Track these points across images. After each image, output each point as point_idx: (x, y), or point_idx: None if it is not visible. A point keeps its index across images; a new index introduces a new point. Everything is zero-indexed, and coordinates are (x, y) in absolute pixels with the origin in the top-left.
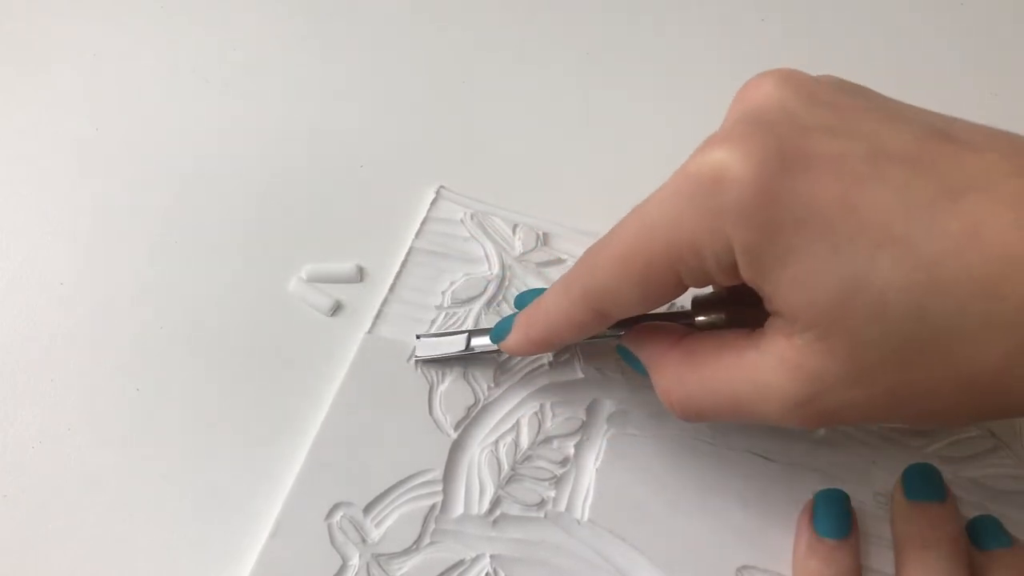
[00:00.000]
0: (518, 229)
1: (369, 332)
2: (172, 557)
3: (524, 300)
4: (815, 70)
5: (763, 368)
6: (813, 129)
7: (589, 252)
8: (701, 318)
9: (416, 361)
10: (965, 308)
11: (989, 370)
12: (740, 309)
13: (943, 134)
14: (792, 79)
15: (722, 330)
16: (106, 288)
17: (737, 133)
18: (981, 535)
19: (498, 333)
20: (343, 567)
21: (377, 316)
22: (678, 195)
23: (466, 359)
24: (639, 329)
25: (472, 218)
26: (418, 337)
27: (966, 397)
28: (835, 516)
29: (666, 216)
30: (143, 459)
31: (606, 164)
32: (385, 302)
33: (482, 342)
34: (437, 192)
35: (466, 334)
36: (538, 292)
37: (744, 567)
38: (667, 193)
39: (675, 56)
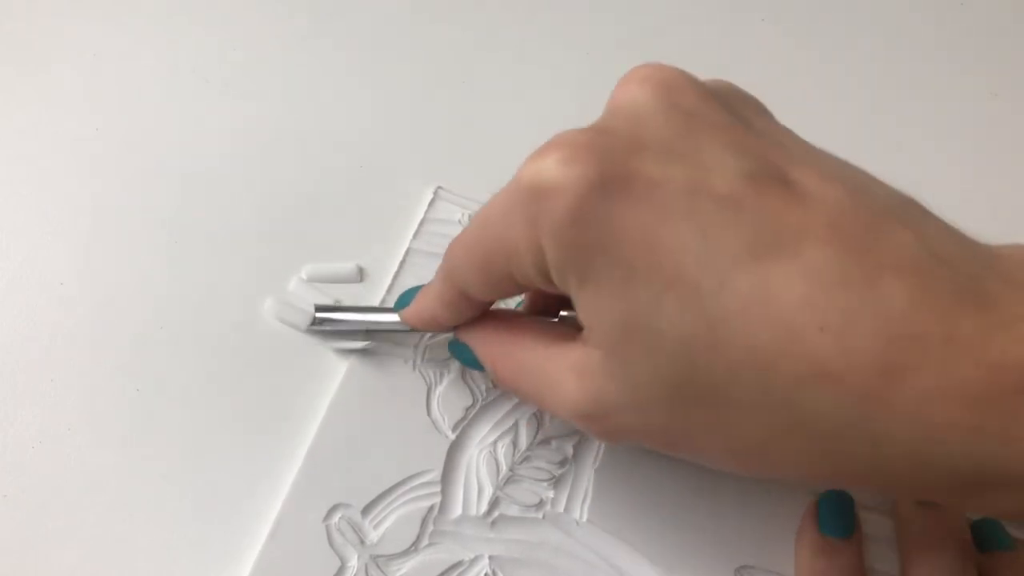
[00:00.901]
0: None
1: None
2: (171, 558)
3: (404, 300)
4: (815, 70)
5: (561, 367)
6: (647, 147)
7: (456, 236)
8: (564, 313)
9: (314, 329)
10: (737, 375)
11: (754, 439)
12: None
13: (781, 180)
14: (659, 79)
15: (551, 322)
16: (106, 288)
17: (568, 146)
18: (984, 537)
19: (401, 302)
20: (341, 568)
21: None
22: (510, 196)
23: (368, 333)
24: (473, 321)
25: (470, 218)
26: (317, 308)
27: (733, 457)
28: (840, 515)
29: (499, 214)
30: (143, 459)
31: None
32: (383, 302)
33: (381, 318)
34: (435, 193)
35: (369, 310)
36: (416, 290)
37: (744, 567)
38: (504, 192)
39: (675, 56)
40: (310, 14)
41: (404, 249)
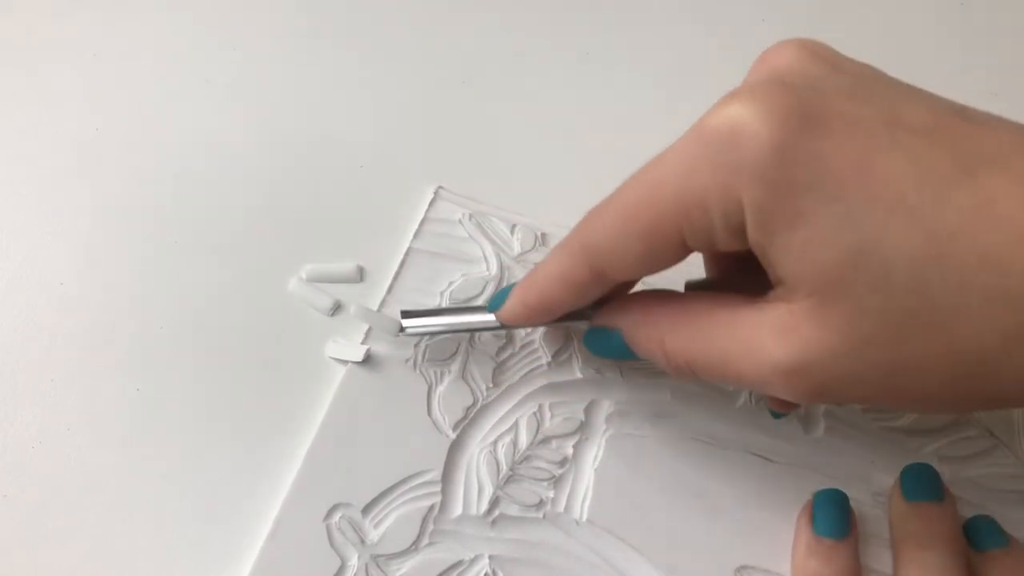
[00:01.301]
0: (516, 229)
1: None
2: (171, 557)
3: (499, 299)
4: None
5: (757, 329)
6: (834, 93)
7: (593, 209)
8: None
9: (406, 334)
10: (969, 283)
11: (985, 349)
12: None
13: (960, 112)
14: (815, 47)
15: (719, 292)
16: (106, 288)
17: (758, 90)
18: (978, 535)
19: (495, 303)
20: (342, 568)
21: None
22: (691, 148)
23: (460, 335)
24: (615, 303)
25: (470, 218)
26: (403, 315)
27: (958, 378)
28: (834, 516)
29: (677, 170)
30: (143, 459)
31: (605, 164)
32: (383, 303)
33: (471, 318)
34: (435, 192)
35: (458, 311)
36: (508, 289)
37: (743, 567)
38: (680, 146)
39: (675, 56)
40: (310, 14)
41: (404, 249)
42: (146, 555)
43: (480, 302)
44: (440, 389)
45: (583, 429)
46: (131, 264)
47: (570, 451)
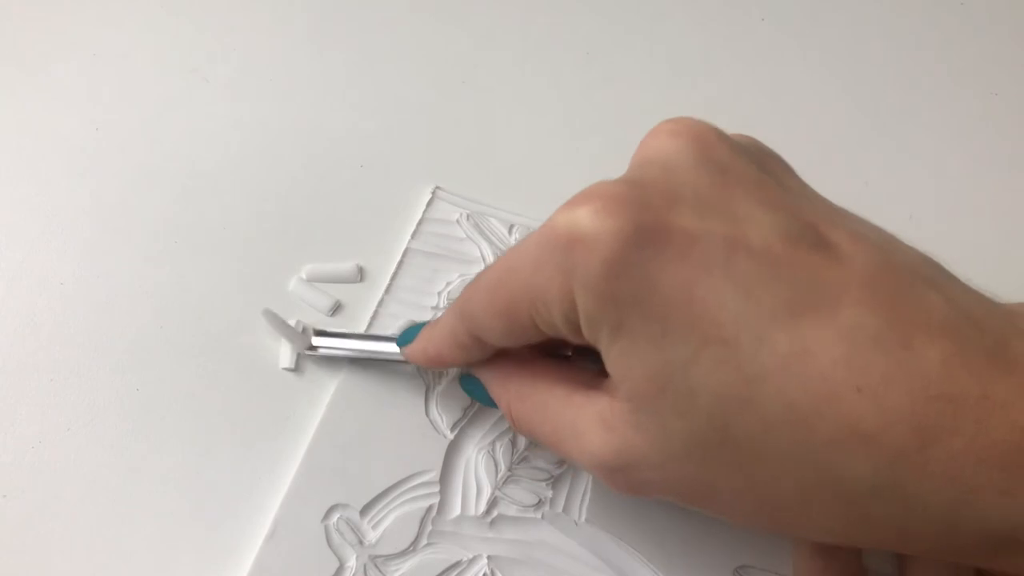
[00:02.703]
0: (514, 230)
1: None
2: (170, 558)
3: (408, 336)
4: (815, 70)
5: (585, 418)
6: (683, 200)
7: (475, 278)
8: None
9: (315, 353)
10: (774, 432)
11: (785, 497)
12: None
13: (815, 239)
14: (691, 133)
15: (573, 361)
16: (106, 288)
17: (606, 198)
18: None
19: (404, 339)
20: (340, 569)
21: (373, 317)
22: (539, 244)
23: (362, 361)
24: (490, 359)
25: (468, 219)
26: (316, 333)
27: (762, 514)
28: None
29: (526, 262)
30: (143, 459)
31: (604, 164)
32: (381, 303)
33: (380, 347)
34: (433, 193)
35: (370, 338)
36: (420, 327)
37: (742, 567)
38: (534, 238)
39: (674, 56)
40: (310, 14)
41: (403, 249)
42: (145, 555)
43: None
44: (438, 390)
45: None
46: (131, 264)
47: None
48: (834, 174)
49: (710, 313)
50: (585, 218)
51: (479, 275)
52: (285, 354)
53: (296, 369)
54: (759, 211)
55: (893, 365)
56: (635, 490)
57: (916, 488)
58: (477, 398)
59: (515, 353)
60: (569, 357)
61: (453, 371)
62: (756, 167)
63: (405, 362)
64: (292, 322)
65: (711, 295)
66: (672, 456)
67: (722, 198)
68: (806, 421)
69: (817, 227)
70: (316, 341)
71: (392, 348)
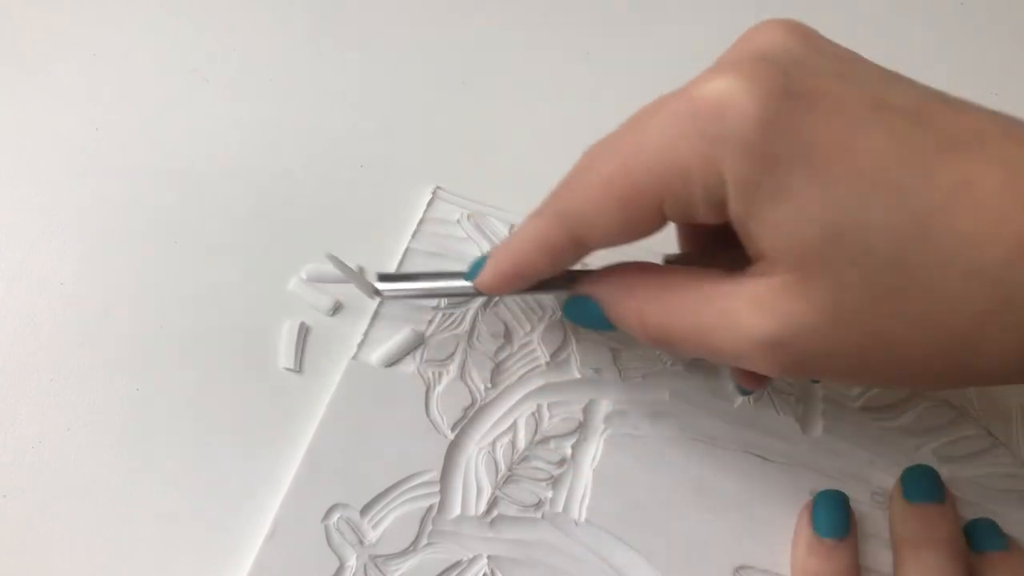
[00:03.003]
0: (514, 230)
1: (364, 336)
2: (170, 557)
3: (479, 265)
4: None
5: (736, 302)
6: (820, 72)
7: (569, 175)
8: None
9: (382, 296)
10: (948, 261)
11: (963, 327)
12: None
13: (941, 97)
14: (801, 28)
15: (698, 267)
16: (106, 288)
17: (744, 64)
18: (977, 538)
19: (473, 271)
20: (340, 568)
21: (374, 317)
22: (675, 118)
23: (438, 298)
24: (596, 273)
25: (468, 219)
26: (380, 278)
27: (935, 354)
28: (835, 516)
29: (660, 139)
30: (143, 459)
31: None
32: (381, 303)
33: (448, 284)
34: (433, 193)
35: (435, 276)
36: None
37: (742, 567)
38: (664, 115)
39: (674, 56)
40: (310, 14)
41: (402, 249)
42: (145, 555)
43: (479, 302)
44: (438, 389)
45: (581, 429)
46: (131, 264)
47: (568, 451)
48: None
49: (873, 161)
50: (730, 84)
51: (576, 169)
52: (286, 353)
53: (297, 369)
54: (886, 80)
55: None
56: (796, 367)
57: None
58: (587, 323)
59: (632, 265)
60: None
61: (452, 372)
62: (860, 56)
63: (475, 296)
64: (353, 267)
65: (869, 144)
66: (845, 312)
67: (850, 72)
68: (979, 245)
69: (939, 92)
70: (380, 286)
71: (462, 283)
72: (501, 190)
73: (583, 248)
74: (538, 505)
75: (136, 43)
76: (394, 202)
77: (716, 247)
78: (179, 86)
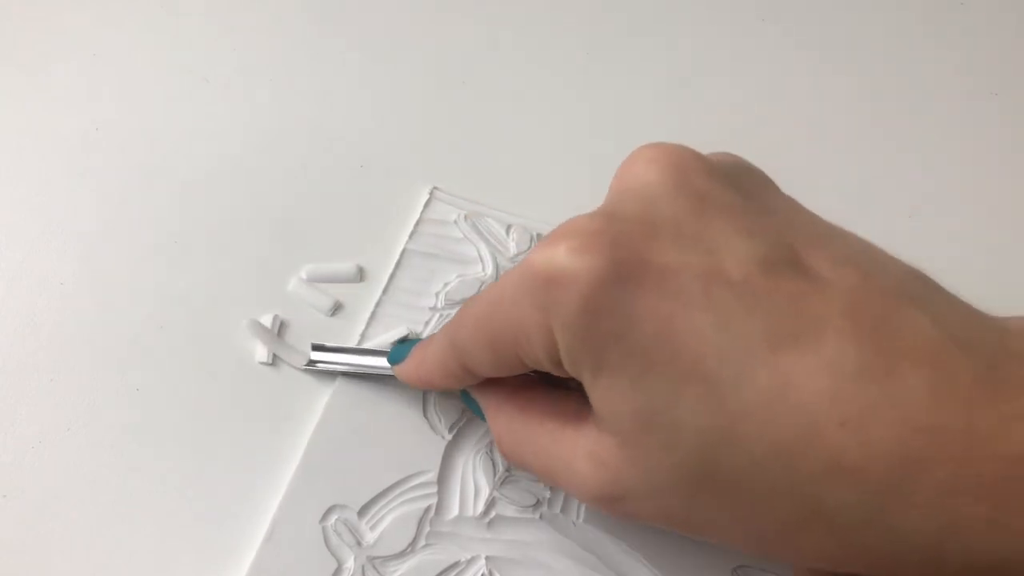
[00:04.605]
0: (511, 230)
1: (362, 336)
2: (168, 558)
3: (399, 354)
4: (815, 70)
5: (575, 451)
6: (660, 232)
7: (464, 306)
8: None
9: (313, 368)
10: (758, 468)
11: (773, 531)
12: None
13: (794, 266)
14: (668, 160)
15: (558, 395)
16: (106, 288)
17: (583, 231)
18: None
19: (395, 357)
20: (338, 570)
21: (371, 318)
22: (517, 285)
23: (357, 375)
24: (484, 381)
25: (466, 219)
26: (314, 348)
27: (752, 546)
28: None
29: (508, 298)
30: (142, 459)
31: (603, 165)
32: (379, 304)
33: (375, 362)
34: (430, 193)
35: (366, 352)
36: (412, 344)
37: (740, 567)
38: (512, 277)
39: (674, 56)
40: (310, 14)
41: (400, 250)
42: (143, 556)
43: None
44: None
45: None
46: (131, 264)
47: None
48: (833, 174)
49: (690, 348)
50: (561, 256)
51: (467, 304)
52: (260, 349)
53: (272, 363)
54: (736, 239)
55: (876, 397)
56: (629, 518)
57: (901, 520)
58: (476, 413)
59: (510, 383)
60: (564, 381)
61: None
62: (734, 191)
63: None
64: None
65: (690, 330)
66: (659, 489)
67: (700, 227)
68: (790, 456)
69: (798, 252)
70: (315, 356)
71: (386, 364)
72: (499, 191)
73: (474, 376)
74: (536, 505)
75: (136, 43)
76: (396, 202)
77: None
78: (179, 86)
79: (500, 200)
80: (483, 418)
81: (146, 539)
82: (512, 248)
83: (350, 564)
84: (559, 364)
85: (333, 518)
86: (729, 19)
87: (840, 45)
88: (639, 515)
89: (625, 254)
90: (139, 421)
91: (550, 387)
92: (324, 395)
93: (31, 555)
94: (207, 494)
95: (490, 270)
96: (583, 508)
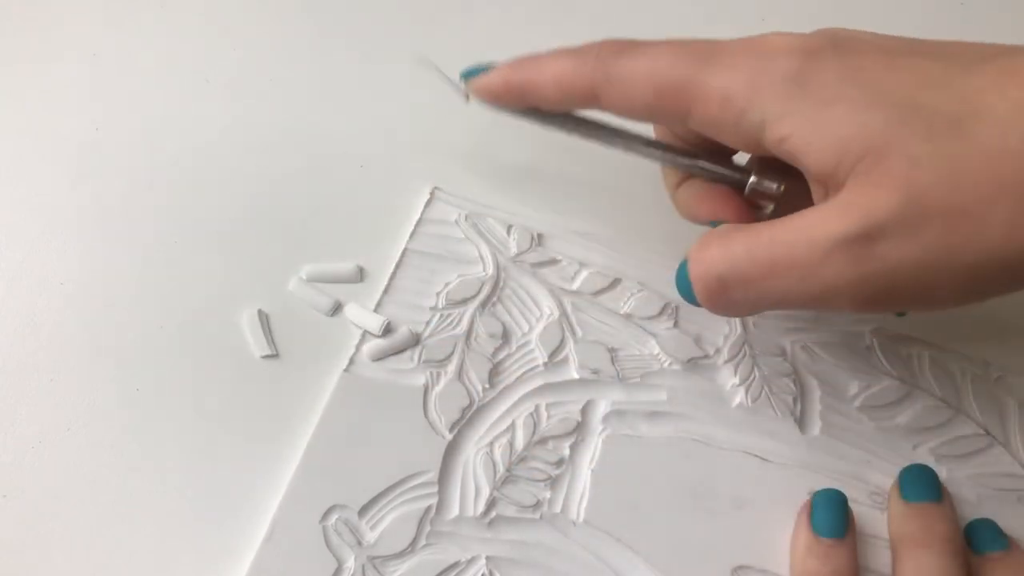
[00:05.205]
0: (512, 230)
1: (362, 336)
2: (169, 558)
3: (476, 69)
4: None
5: (810, 216)
6: (857, 34)
7: (628, 43)
8: (758, 179)
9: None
10: (1007, 125)
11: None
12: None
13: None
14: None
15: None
16: (106, 288)
17: (792, 33)
18: (978, 538)
19: (471, 72)
20: (338, 569)
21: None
22: (729, 54)
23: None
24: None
25: (466, 219)
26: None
27: (1017, 214)
28: (833, 516)
29: (707, 61)
30: (142, 459)
31: (602, 164)
32: (379, 304)
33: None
34: (431, 193)
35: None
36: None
37: (740, 567)
38: (719, 50)
39: None
40: (310, 14)
41: (400, 250)
42: (143, 556)
43: (476, 303)
44: (436, 390)
45: (580, 429)
46: (131, 264)
47: (567, 452)
48: None
49: (917, 71)
50: (781, 35)
51: (640, 45)
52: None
53: (275, 355)
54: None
55: None
56: (881, 277)
57: None
58: (683, 290)
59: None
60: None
61: (450, 372)
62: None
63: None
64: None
65: (910, 63)
66: (924, 188)
67: (858, 35)
68: None
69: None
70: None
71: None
72: (499, 191)
73: (596, 103)
74: (536, 506)
75: (136, 43)
76: (397, 202)
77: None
78: (179, 86)
79: (500, 200)
80: (686, 292)
81: (146, 539)
82: (513, 248)
83: (350, 564)
84: (748, 131)
85: (333, 518)
86: (729, 19)
87: None
88: (890, 257)
89: (835, 35)
90: (139, 421)
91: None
92: (325, 394)
93: (31, 555)
94: (207, 494)
95: (491, 270)
96: (584, 508)
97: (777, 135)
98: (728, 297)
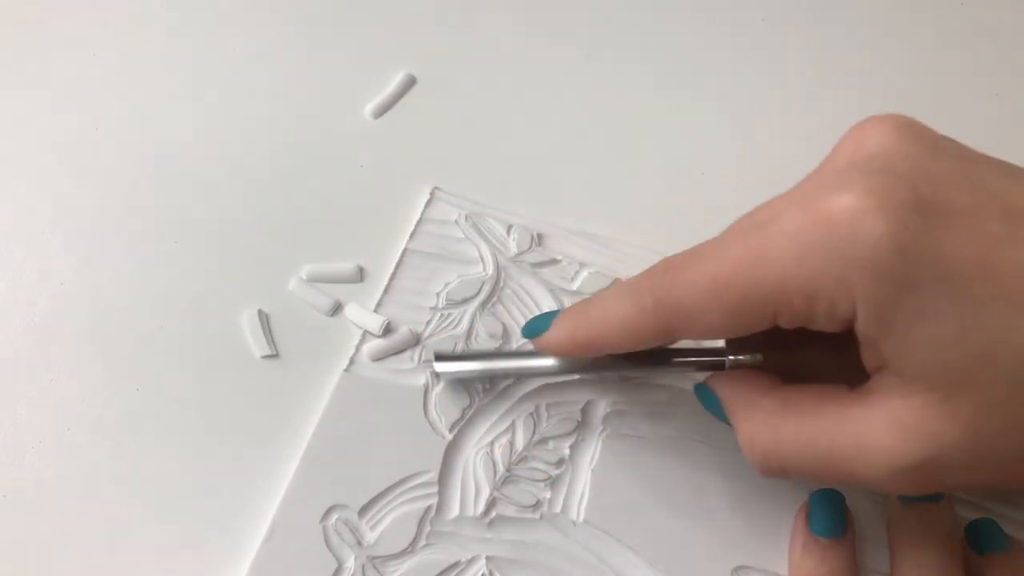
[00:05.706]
0: (512, 230)
1: (363, 336)
2: (169, 558)
3: (536, 326)
4: (815, 70)
5: (871, 426)
6: (945, 179)
7: (672, 263)
8: (735, 357)
9: (435, 377)
10: None
11: None
12: (775, 353)
13: None
14: (911, 126)
15: (819, 384)
16: (106, 288)
17: (869, 179)
18: (979, 538)
19: (532, 329)
20: (339, 569)
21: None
22: (804, 236)
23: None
24: (728, 374)
25: (467, 219)
26: (437, 358)
27: None
28: (831, 515)
29: (784, 252)
30: (142, 459)
31: (602, 164)
32: (380, 304)
33: (505, 365)
34: (431, 193)
35: (486, 358)
36: (551, 316)
37: (740, 567)
38: (786, 227)
39: (674, 56)
40: (309, 15)
41: (401, 250)
42: (144, 556)
43: (476, 303)
44: (437, 390)
45: (580, 430)
46: (131, 264)
47: (567, 452)
48: None
49: (1013, 280)
50: (859, 203)
51: (682, 260)
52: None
53: (275, 355)
54: (1008, 183)
55: None
56: (937, 483)
57: None
58: (715, 413)
59: (756, 376)
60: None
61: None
62: (974, 153)
63: (532, 376)
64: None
65: (1008, 262)
66: (993, 433)
67: (973, 177)
68: None
69: None
70: (438, 366)
71: (522, 362)
72: (499, 190)
73: (671, 338)
74: (536, 506)
75: (136, 43)
76: (397, 202)
77: (794, 345)
78: (179, 86)
79: (501, 200)
80: (723, 418)
81: (146, 539)
82: (513, 248)
83: (350, 564)
84: (843, 321)
85: (333, 518)
86: (729, 19)
87: (840, 46)
88: (951, 473)
89: (923, 197)
90: (139, 421)
91: (799, 384)
92: (325, 394)
93: (31, 555)
94: (207, 494)
95: (491, 270)
96: (584, 508)
97: (860, 333)
98: (787, 475)
